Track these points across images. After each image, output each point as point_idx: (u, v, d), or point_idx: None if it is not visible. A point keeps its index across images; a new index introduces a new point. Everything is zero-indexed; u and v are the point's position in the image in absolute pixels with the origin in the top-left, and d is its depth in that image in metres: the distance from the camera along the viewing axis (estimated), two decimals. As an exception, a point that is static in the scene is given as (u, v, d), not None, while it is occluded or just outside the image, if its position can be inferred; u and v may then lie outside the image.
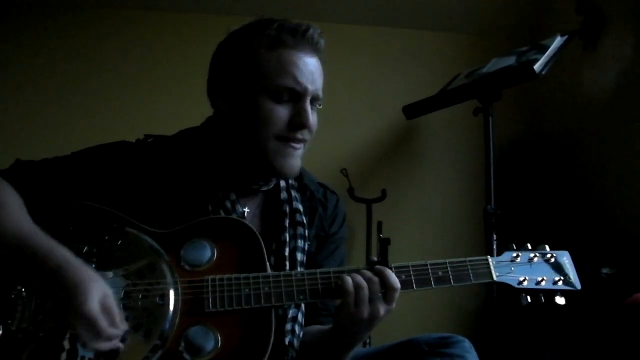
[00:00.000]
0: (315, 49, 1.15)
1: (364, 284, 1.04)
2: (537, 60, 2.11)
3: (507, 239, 1.98)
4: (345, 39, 2.92)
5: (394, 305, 1.06)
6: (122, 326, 0.96)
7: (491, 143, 2.18)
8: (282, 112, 1.11)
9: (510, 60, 2.30)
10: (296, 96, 1.12)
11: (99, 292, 0.93)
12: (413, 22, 3.00)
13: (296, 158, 1.15)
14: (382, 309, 1.05)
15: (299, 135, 1.13)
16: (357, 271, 1.07)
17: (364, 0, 2.90)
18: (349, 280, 1.05)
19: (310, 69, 1.13)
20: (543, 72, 2.10)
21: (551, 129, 2.96)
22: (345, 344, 1.12)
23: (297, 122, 1.12)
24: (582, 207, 2.56)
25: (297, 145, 1.14)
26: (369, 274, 1.06)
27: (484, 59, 2.51)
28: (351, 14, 2.95)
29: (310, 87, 1.12)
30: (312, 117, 1.14)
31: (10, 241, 0.96)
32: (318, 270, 1.09)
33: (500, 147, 2.56)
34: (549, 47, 2.20)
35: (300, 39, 1.12)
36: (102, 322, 0.92)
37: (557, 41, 2.26)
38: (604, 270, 2.02)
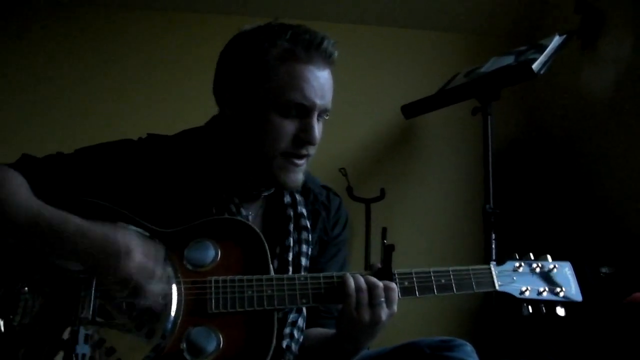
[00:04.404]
0: (327, 62, 1.12)
1: (365, 286, 1.05)
2: (535, 59, 2.11)
3: (506, 238, 1.99)
4: (343, 39, 2.86)
5: (395, 307, 1.06)
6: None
7: (490, 142, 2.18)
8: (289, 127, 1.10)
9: (509, 59, 2.30)
10: (304, 111, 1.10)
11: (127, 237, 0.96)
12: (412, 22, 3.00)
13: (300, 173, 1.15)
14: (383, 313, 1.05)
15: (303, 152, 1.12)
16: (362, 275, 1.07)
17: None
18: (350, 282, 1.05)
19: (320, 82, 1.11)
20: (541, 72, 2.11)
21: (550, 129, 2.96)
22: (347, 350, 1.12)
23: (303, 138, 1.11)
24: (581, 207, 2.57)
25: (301, 162, 1.14)
26: (373, 279, 1.06)
27: (483, 58, 2.51)
28: (350, 13, 2.94)
29: (318, 102, 1.11)
30: (318, 132, 1.13)
31: (24, 219, 0.96)
32: (321, 275, 1.09)
33: (499, 146, 2.56)
34: (547, 47, 2.20)
35: (314, 52, 1.09)
36: (150, 262, 0.96)
37: (556, 40, 2.26)
38: (603, 270, 2.02)
